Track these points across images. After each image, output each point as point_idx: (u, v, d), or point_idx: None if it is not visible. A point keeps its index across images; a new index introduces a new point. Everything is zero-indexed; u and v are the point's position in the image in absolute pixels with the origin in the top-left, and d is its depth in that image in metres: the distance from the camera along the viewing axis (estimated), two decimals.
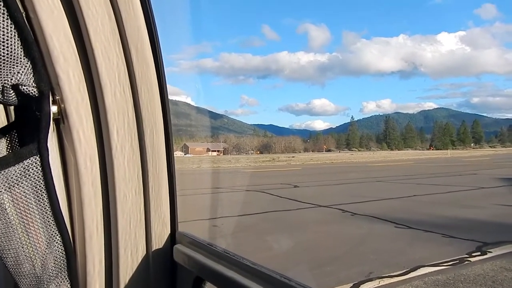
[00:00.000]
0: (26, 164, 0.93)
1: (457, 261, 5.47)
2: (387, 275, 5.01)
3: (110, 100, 1.04)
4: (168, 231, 1.19)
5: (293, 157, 68.46)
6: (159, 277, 1.17)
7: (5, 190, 0.92)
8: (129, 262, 1.12)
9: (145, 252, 1.15)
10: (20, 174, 0.93)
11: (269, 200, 12.55)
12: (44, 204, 0.97)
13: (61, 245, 1.02)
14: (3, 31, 0.84)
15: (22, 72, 0.90)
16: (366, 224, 8.32)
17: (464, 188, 14.43)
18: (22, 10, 0.89)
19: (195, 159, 60.12)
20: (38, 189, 0.96)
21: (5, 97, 0.91)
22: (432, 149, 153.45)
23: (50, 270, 1.02)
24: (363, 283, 4.79)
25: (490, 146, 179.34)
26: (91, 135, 1.05)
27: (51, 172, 0.96)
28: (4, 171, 0.91)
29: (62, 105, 0.99)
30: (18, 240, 0.95)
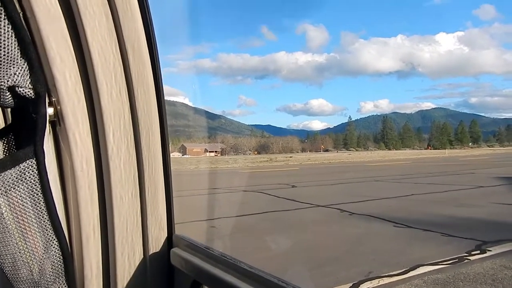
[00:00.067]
0: (22, 167, 0.92)
1: (457, 260, 5.47)
2: (386, 274, 5.01)
3: (106, 102, 1.03)
4: (165, 234, 1.18)
5: (290, 157, 68.49)
6: (156, 281, 1.16)
7: (1, 194, 0.91)
8: (126, 266, 1.11)
9: (142, 256, 1.14)
10: (17, 178, 0.92)
11: (267, 200, 12.54)
12: (40, 207, 0.96)
13: (58, 250, 1.01)
14: (0, 32, 0.84)
15: (19, 73, 0.89)
16: (364, 224, 8.32)
17: (462, 187, 14.46)
18: (19, 11, 0.88)
19: (193, 160, 60.10)
20: (35, 192, 0.95)
21: (1, 99, 0.90)
22: (430, 149, 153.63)
23: (48, 275, 1.01)
24: (363, 283, 4.79)
25: (488, 146, 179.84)
26: (87, 137, 1.04)
27: (47, 175, 0.96)
28: (1, 175, 0.90)
29: (59, 107, 0.99)
30: (15, 245, 0.94)
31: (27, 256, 0.96)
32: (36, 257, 0.98)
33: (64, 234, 1.01)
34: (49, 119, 0.97)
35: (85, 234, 1.05)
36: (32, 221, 0.95)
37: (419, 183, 16.76)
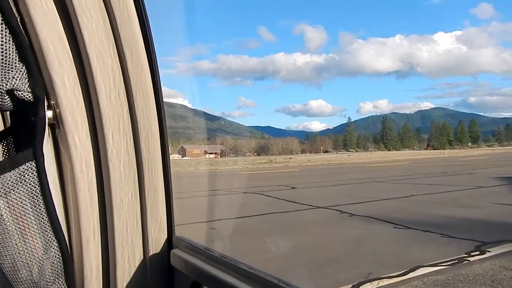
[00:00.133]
0: (22, 169, 0.93)
1: (456, 261, 5.47)
2: (386, 276, 5.00)
3: (105, 104, 1.03)
4: (165, 235, 1.18)
5: (290, 158, 68.51)
6: (156, 282, 1.16)
7: (1, 196, 0.91)
8: (126, 267, 1.11)
9: (142, 257, 1.15)
10: (16, 180, 0.92)
11: (267, 202, 12.53)
12: (40, 209, 0.97)
13: (58, 251, 1.01)
14: None
15: (17, 77, 0.89)
16: (364, 225, 8.32)
17: (462, 187, 14.46)
18: (16, 15, 0.88)
19: (193, 162, 60.11)
20: (34, 194, 0.95)
21: (1, 102, 0.91)
22: (430, 149, 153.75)
23: (48, 276, 1.01)
24: (362, 284, 4.78)
25: (487, 145, 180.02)
26: (86, 140, 1.04)
27: (47, 177, 0.96)
28: (0, 177, 0.91)
29: (57, 110, 0.99)
30: (15, 246, 0.95)
31: (26, 257, 0.97)
32: (35, 258, 0.98)
33: (63, 236, 1.02)
34: (48, 122, 0.97)
35: (85, 236, 1.06)
36: (31, 223, 0.96)
37: (418, 184, 16.76)
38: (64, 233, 1.03)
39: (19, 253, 0.96)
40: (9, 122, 1.17)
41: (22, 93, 0.91)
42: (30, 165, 0.94)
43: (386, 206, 10.83)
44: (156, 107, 1.13)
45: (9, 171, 0.91)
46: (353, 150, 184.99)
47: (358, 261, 5.85)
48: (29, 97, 0.93)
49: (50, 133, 1.03)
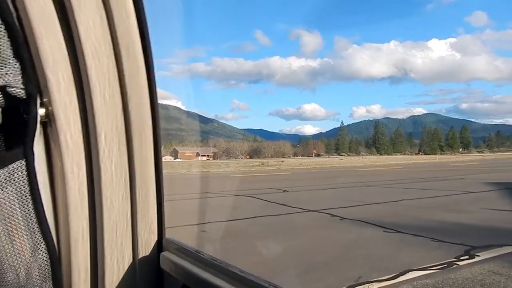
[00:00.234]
0: (11, 168, 0.91)
1: (446, 265, 5.49)
2: (376, 279, 5.01)
3: (99, 103, 1.02)
4: (155, 238, 1.17)
5: (282, 161, 68.53)
6: (145, 285, 1.15)
7: None
8: (115, 270, 1.10)
9: (131, 260, 1.13)
10: (5, 179, 0.91)
11: (259, 204, 12.51)
12: (28, 210, 0.95)
13: (45, 253, 1.00)
14: None
15: (11, 73, 0.88)
16: (355, 229, 8.33)
17: (452, 192, 14.55)
18: (13, 11, 0.87)
19: (185, 164, 59.89)
20: (23, 194, 0.94)
21: None
22: (421, 154, 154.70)
23: (35, 279, 0.99)
24: None
25: (478, 151, 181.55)
26: (78, 139, 1.03)
27: (36, 177, 0.95)
28: None
29: (50, 108, 0.98)
30: (1, 247, 0.93)
31: (13, 260, 0.95)
32: (22, 260, 0.96)
33: (52, 237, 1.00)
34: (40, 120, 0.96)
35: (73, 237, 1.04)
36: (19, 224, 0.94)
37: (409, 188, 16.83)
38: (53, 234, 1.01)
39: (6, 255, 0.93)
40: (0, 119, 1.15)
41: (14, 90, 0.90)
42: (20, 163, 0.92)
43: (377, 210, 10.86)
44: (151, 108, 1.12)
45: None
46: (345, 154, 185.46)
47: (349, 264, 5.85)
48: (22, 94, 0.91)
49: (42, 131, 1.02)
